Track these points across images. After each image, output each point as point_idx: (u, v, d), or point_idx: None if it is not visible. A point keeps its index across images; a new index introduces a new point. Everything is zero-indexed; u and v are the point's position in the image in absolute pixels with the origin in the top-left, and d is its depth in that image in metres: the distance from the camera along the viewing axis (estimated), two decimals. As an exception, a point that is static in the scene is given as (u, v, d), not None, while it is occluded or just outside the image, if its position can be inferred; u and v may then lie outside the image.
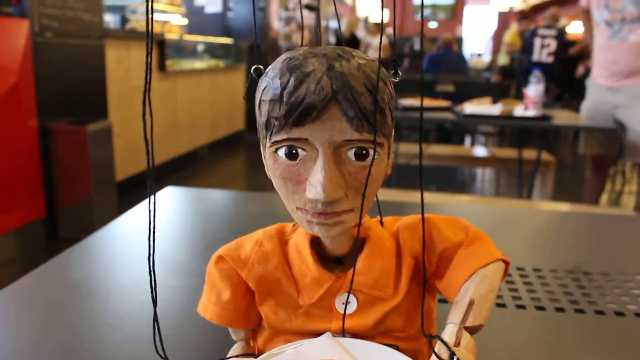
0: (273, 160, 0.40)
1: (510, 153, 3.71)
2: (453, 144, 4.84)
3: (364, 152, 0.38)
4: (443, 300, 0.69)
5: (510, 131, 5.69)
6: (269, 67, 0.40)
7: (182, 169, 4.74)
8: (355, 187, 0.39)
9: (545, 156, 3.44)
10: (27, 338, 0.59)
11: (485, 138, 5.14)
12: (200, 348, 0.58)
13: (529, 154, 3.54)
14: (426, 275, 0.45)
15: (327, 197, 0.37)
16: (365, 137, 0.37)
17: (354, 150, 0.38)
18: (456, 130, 5.15)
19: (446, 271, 0.45)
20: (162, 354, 0.41)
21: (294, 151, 0.38)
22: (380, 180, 0.41)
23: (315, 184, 0.38)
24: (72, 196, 3.05)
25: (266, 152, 0.40)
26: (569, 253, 0.89)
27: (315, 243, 0.46)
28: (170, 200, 1.11)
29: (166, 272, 0.75)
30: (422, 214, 0.43)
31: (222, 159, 5.38)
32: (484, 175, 4.85)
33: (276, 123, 0.38)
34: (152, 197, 0.37)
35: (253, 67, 0.42)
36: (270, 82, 0.38)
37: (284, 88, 0.37)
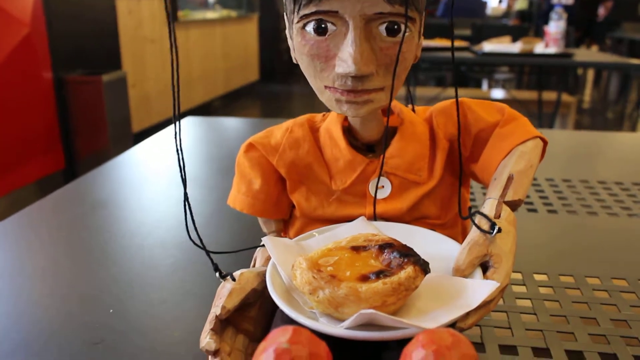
0: (301, 36, 0.38)
1: (529, 95, 3.65)
2: (470, 88, 4.76)
3: (395, 27, 0.36)
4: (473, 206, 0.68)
5: (528, 70, 5.56)
6: None
7: (198, 117, 4.73)
8: (386, 65, 0.37)
9: (566, 97, 3.38)
10: (58, 246, 0.59)
11: (504, 81, 5.04)
12: (230, 247, 0.58)
13: (549, 95, 3.47)
14: (461, 150, 0.43)
15: (359, 71, 0.36)
16: (397, 10, 0.35)
17: (385, 24, 0.36)
18: (471, 72, 5.03)
19: (482, 153, 0.44)
20: (195, 240, 0.40)
21: (323, 25, 0.37)
22: (411, 60, 0.39)
23: (346, 58, 0.36)
24: (91, 147, 3.06)
25: (293, 30, 0.39)
26: (597, 167, 0.87)
27: (347, 130, 0.45)
28: (191, 128, 1.10)
29: (192, 187, 0.75)
30: (456, 92, 0.42)
31: (237, 110, 5.35)
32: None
33: None
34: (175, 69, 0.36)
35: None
36: None
37: None
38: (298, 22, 0.37)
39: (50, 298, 0.48)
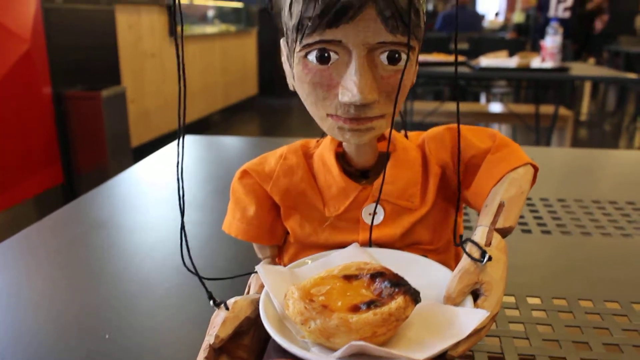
0: (302, 65, 0.38)
1: (526, 109, 3.66)
2: (468, 102, 4.78)
3: (396, 55, 0.37)
4: (468, 228, 0.68)
5: (526, 84, 5.59)
6: None
7: (196, 135, 4.74)
8: (387, 92, 0.38)
9: (563, 111, 3.39)
10: (56, 267, 0.60)
11: (501, 95, 5.06)
12: (226, 271, 0.58)
13: (546, 109, 3.48)
14: (454, 177, 0.44)
15: (364, 99, 0.36)
16: (399, 39, 0.36)
17: (386, 53, 0.37)
18: (470, 86, 5.05)
19: (474, 179, 0.44)
20: (190, 267, 0.40)
21: (325, 54, 0.37)
22: (409, 87, 0.40)
23: (351, 87, 0.36)
24: (89, 162, 3.07)
25: (294, 58, 0.39)
26: (592, 186, 0.88)
27: (340, 157, 0.46)
28: (189, 146, 1.11)
29: (189, 209, 0.75)
30: (458, 117, 0.42)
31: (236, 124, 5.36)
32: (500, 131, 4.79)
33: (309, 24, 0.36)
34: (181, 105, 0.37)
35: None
36: None
37: None
38: (300, 50, 0.38)
39: (46, 321, 0.49)
